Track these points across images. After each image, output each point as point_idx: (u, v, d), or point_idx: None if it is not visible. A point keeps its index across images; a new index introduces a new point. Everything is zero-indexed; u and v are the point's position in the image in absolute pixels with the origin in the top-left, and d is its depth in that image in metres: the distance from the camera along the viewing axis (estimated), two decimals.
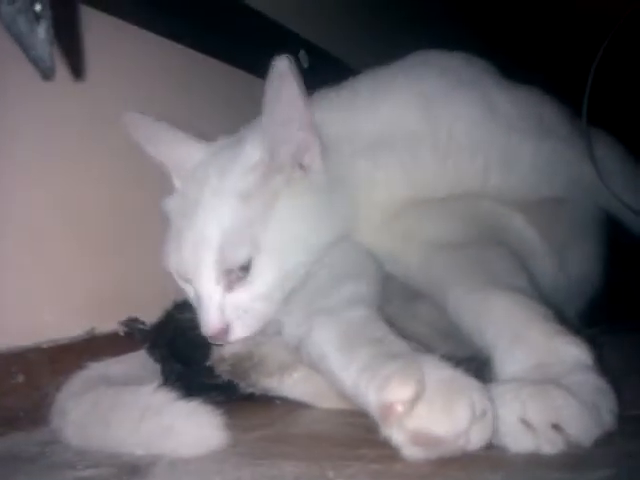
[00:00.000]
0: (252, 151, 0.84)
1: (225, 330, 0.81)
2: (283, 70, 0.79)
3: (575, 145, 0.95)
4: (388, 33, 1.83)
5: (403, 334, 0.70)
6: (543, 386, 0.57)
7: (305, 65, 1.41)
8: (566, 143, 0.95)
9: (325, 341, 0.71)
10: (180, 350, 0.85)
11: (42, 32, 0.46)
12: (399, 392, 0.56)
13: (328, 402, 0.79)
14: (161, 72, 1.11)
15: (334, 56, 1.56)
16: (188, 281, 0.85)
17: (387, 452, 0.57)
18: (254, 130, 0.87)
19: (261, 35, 1.29)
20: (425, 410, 0.55)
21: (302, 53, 1.41)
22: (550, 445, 0.54)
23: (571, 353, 0.62)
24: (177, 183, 0.94)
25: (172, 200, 0.92)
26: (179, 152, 0.92)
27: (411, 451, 0.56)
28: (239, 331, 0.82)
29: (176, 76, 1.15)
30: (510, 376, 0.63)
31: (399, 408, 0.55)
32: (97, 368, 0.80)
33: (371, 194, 0.88)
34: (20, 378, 0.81)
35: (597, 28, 1.05)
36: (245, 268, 0.81)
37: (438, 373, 0.58)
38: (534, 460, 0.54)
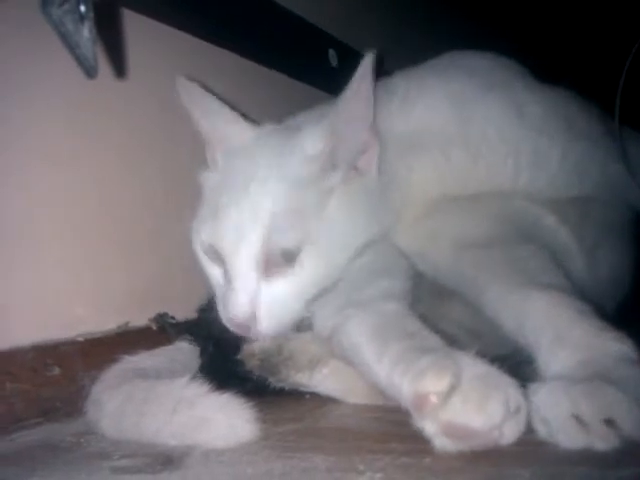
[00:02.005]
0: (314, 141, 0.84)
1: (250, 320, 0.79)
2: (367, 70, 0.79)
3: (605, 145, 0.95)
4: (417, 32, 1.83)
5: (433, 332, 0.71)
6: (594, 382, 0.57)
7: (334, 64, 1.41)
8: (596, 143, 0.94)
9: (358, 332, 0.72)
10: (217, 339, 0.86)
11: (86, 32, 0.48)
12: (435, 383, 0.57)
13: (357, 397, 0.80)
14: (196, 72, 1.13)
15: (364, 55, 1.56)
16: (219, 260, 0.83)
17: (417, 446, 0.58)
18: (312, 122, 0.87)
19: (291, 34, 1.30)
20: (459, 403, 0.56)
21: (331, 52, 1.42)
22: (603, 441, 0.54)
23: (616, 349, 0.62)
24: (219, 158, 0.91)
25: (211, 176, 0.90)
26: (228, 127, 0.91)
27: (443, 442, 0.56)
28: (265, 325, 0.80)
29: (210, 76, 1.16)
30: (556, 374, 0.62)
31: (434, 399, 0.56)
32: (131, 361, 0.81)
33: (407, 195, 0.89)
34: (56, 370, 0.83)
35: (629, 27, 1.05)
36: (288, 257, 0.80)
37: (473, 368, 0.59)
38: (564, 456, 0.54)
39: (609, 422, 0.54)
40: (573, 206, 0.91)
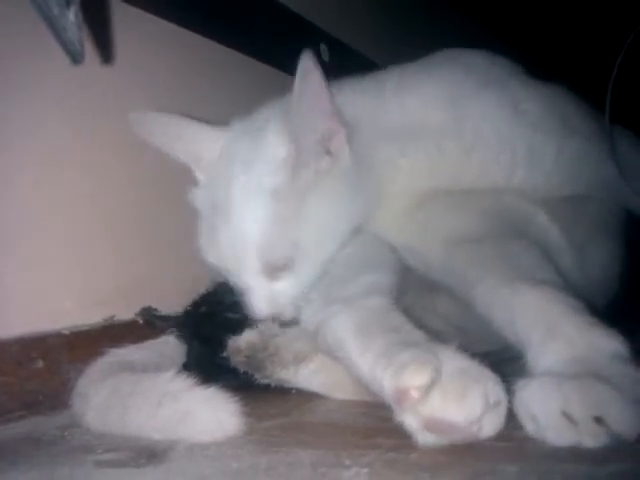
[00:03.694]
0: (278, 145, 0.85)
1: (275, 313, 0.85)
2: (308, 66, 0.80)
3: (598, 143, 0.95)
4: (408, 28, 1.83)
5: (418, 326, 0.71)
6: (584, 379, 0.57)
7: (326, 58, 1.41)
8: (590, 142, 0.94)
9: (343, 327, 0.72)
10: (203, 333, 0.86)
11: (72, 16, 0.47)
12: (415, 378, 0.57)
13: (343, 393, 0.79)
14: (183, 63, 1.12)
15: (355, 50, 1.56)
16: (229, 273, 0.87)
17: (403, 442, 0.58)
18: (275, 120, 0.87)
19: (283, 29, 1.30)
20: (439, 397, 0.56)
21: (323, 47, 1.41)
22: (592, 438, 0.53)
23: (608, 345, 0.61)
24: (199, 176, 0.94)
25: (198, 193, 0.93)
26: (195, 144, 0.93)
27: (424, 437, 0.57)
28: (288, 314, 0.85)
29: (198, 68, 1.16)
30: (546, 370, 0.62)
31: (414, 394, 0.57)
32: (118, 354, 0.81)
33: (393, 180, 0.89)
34: (40, 363, 0.82)
35: (620, 24, 1.05)
36: (286, 261, 0.84)
37: (453, 362, 0.59)
38: (551, 453, 0.54)
39: (599, 420, 0.54)
40: (565, 204, 0.90)
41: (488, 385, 0.57)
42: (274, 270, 0.84)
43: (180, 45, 1.12)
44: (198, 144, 0.93)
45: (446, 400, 0.56)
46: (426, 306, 0.88)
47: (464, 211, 0.88)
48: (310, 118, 0.84)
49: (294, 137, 0.84)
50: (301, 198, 0.84)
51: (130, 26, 0.99)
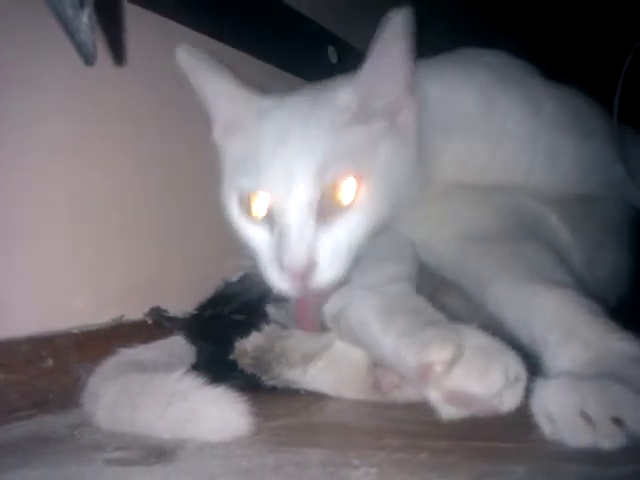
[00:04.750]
0: (344, 94, 0.82)
1: (309, 270, 0.76)
2: (400, 23, 0.77)
3: (611, 144, 0.95)
4: (415, 29, 1.83)
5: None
6: (603, 380, 0.56)
7: (333, 60, 1.41)
8: (604, 143, 0.94)
9: (366, 309, 0.74)
10: (211, 335, 0.86)
11: (85, 18, 0.47)
12: (439, 353, 0.61)
13: (350, 392, 0.79)
14: None
15: (363, 52, 1.56)
16: (263, 219, 0.82)
17: (412, 442, 0.59)
18: (344, 82, 0.84)
19: (292, 31, 1.30)
20: (462, 371, 0.60)
21: (331, 48, 1.41)
22: (609, 439, 0.53)
23: (626, 349, 0.61)
24: (246, 122, 0.86)
25: (237, 142, 0.87)
26: (244, 91, 0.87)
27: (447, 410, 0.61)
28: (324, 273, 0.77)
29: None
30: (563, 370, 0.61)
31: (438, 368, 0.60)
32: (128, 354, 0.82)
33: (428, 172, 0.88)
34: (50, 362, 0.83)
35: (629, 26, 1.05)
36: (342, 197, 0.79)
37: (475, 339, 0.63)
38: (559, 454, 0.54)
39: (616, 420, 0.53)
40: (576, 205, 0.90)
41: (509, 361, 0.60)
42: (324, 210, 0.78)
43: (191, 45, 1.12)
44: (247, 91, 0.87)
45: (468, 374, 0.60)
46: (435, 304, 0.88)
47: (480, 208, 0.87)
48: (383, 78, 0.81)
49: (361, 91, 0.81)
50: (368, 142, 0.81)
51: (142, 28, 0.99)
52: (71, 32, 0.48)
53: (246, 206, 0.83)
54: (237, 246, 0.87)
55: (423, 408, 0.70)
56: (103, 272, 0.94)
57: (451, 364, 0.60)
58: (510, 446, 0.57)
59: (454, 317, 0.85)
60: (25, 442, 0.71)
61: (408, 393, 0.74)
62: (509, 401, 0.60)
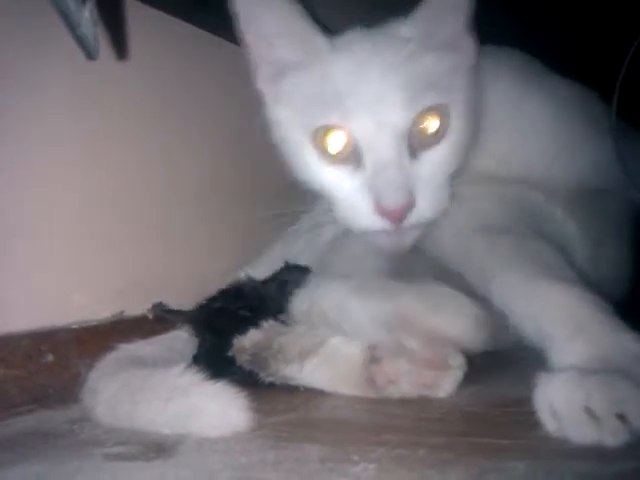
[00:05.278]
0: (409, 27, 0.81)
1: (409, 207, 0.76)
2: None
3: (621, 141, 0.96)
4: None
5: None
6: (608, 375, 0.56)
7: None
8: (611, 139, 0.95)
9: (334, 289, 0.78)
10: (215, 326, 0.86)
11: (87, 12, 0.48)
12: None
13: (347, 388, 0.79)
14: (196, 62, 1.13)
15: None
16: (345, 158, 0.80)
17: (411, 438, 0.59)
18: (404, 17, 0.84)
19: None
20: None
21: None
22: (613, 436, 0.53)
23: (633, 347, 0.61)
24: (314, 58, 0.82)
25: (300, 80, 0.83)
26: (308, 32, 0.83)
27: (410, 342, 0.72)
28: (424, 206, 0.77)
29: (211, 67, 1.16)
30: (569, 366, 0.61)
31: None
32: (128, 349, 0.82)
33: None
34: (50, 357, 0.83)
35: (629, 23, 1.04)
36: (430, 133, 0.79)
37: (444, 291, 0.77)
38: (559, 450, 0.54)
39: (620, 417, 0.53)
40: (582, 201, 0.91)
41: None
42: (415, 141, 0.78)
43: (193, 44, 1.12)
44: (306, 34, 0.83)
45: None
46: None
47: (494, 199, 0.87)
48: (444, 12, 0.80)
49: (425, 21, 0.80)
50: (446, 75, 0.80)
51: (144, 24, 0.99)
52: (73, 26, 0.48)
53: (322, 146, 0.81)
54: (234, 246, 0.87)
55: (422, 404, 0.71)
56: (103, 267, 0.94)
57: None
58: (510, 443, 0.57)
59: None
60: (25, 437, 0.70)
61: (403, 389, 0.73)
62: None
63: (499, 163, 0.89)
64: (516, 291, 0.73)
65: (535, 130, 0.90)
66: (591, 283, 0.81)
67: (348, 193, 0.80)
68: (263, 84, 0.87)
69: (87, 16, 0.47)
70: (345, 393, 0.79)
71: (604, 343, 0.62)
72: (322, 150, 0.81)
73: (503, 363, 0.82)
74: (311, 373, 0.80)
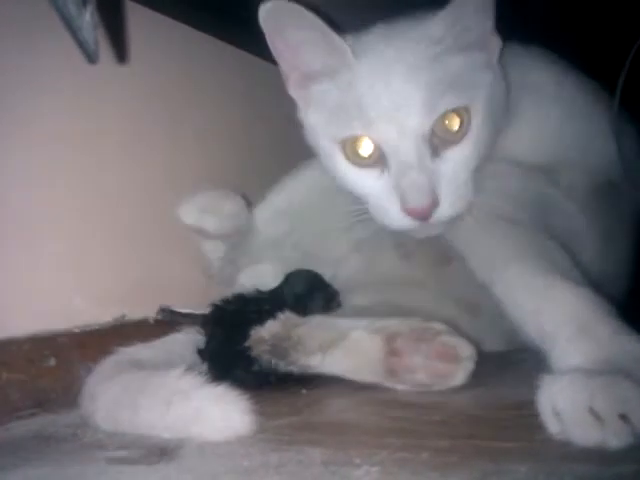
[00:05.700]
0: (439, 26, 0.81)
1: (433, 206, 0.78)
2: None
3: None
4: None
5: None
6: (612, 377, 0.56)
7: None
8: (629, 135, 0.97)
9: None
10: (226, 323, 0.87)
11: (88, 16, 0.48)
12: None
13: (367, 377, 0.80)
14: (197, 65, 1.13)
15: None
16: (370, 160, 0.82)
17: (414, 441, 0.58)
18: (432, 16, 0.83)
19: None
20: None
21: None
22: (617, 438, 0.53)
23: (637, 349, 0.61)
24: (343, 62, 0.83)
25: (328, 86, 0.85)
26: (331, 41, 0.83)
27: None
28: (448, 203, 0.79)
29: (212, 70, 1.16)
30: (573, 367, 0.61)
31: None
32: (127, 353, 0.81)
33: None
34: (52, 361, 0.83)
35: (632, 21, 1.04)
36: (452, 133, 0.80)
37: None
38: (562, 453, 0.54)
39: (622, 417, 0.53)
40: (595, 195, 0.91)
41: None
42: (437, 141, 0.79)
43: (193, 47, 1.12)
44: (330, 43, 0.83)
45: None
46: (438, 279, 0.90)
47: (508, 191, 0.87)
48: (472, 11, 0.80)
49: (455, 21, 0.80)
50: (470, 76, 0.81)
51: (144, 27, 0.99)
52: (74, 30, 0.48)
53: (351, 152, 0.84)
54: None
55: (424, 407, 0.71)
56: (105, 271, 0.94)
57: None
58: (512, 445, 0.57)
59: (456, 300, 0.87)
60: (27, 441, 0.70)
61: (419, 378, 0.76)
62: None
63: (522, 149, 0.89)
64: (521, 283, 0.73)
65: (566, 122, 0.91)
66: (594, 280, 0.81)
67: (378, 195, 0.83)
68: (294, 91, 0.90)
69: (88, 20, 0.47)
70: (364, 381, 0.80)
71: (608, 345, 0.62)
72: (352, 155, 0.84)
73: (505, 365, 0.82)
74: (332, 364, 0.82)
